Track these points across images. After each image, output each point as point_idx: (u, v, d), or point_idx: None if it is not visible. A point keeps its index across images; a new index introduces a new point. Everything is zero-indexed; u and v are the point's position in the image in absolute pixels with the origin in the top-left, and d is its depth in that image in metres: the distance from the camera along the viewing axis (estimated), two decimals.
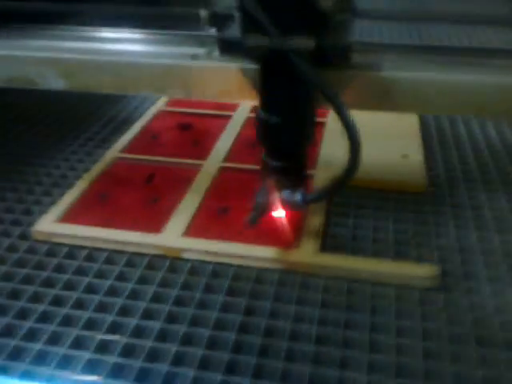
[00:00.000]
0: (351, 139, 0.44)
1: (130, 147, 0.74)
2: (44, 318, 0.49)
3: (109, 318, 0.48)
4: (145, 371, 0.43)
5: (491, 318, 0.48)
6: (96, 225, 0.58)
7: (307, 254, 0.54)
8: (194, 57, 0.53)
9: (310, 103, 0.48)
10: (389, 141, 0.73)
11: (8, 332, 0.47)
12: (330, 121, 0.76)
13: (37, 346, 0.46)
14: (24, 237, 0.59)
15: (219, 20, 0.50)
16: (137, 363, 0.44)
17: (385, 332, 0.47)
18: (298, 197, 0.51)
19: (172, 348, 0.45)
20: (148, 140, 0.76)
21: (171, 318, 0.48)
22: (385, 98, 0.51)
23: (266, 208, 0.51)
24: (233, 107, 0.84)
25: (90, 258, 0.56)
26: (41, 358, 0.45)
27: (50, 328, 0.47)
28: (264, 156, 0.51)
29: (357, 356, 0.45)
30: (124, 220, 0.59)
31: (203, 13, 0.50)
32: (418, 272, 0.52)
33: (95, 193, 0.64)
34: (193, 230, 0.57)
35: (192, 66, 0.52)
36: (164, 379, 0.43)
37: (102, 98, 0.91)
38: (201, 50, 0.53)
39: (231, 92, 0.52)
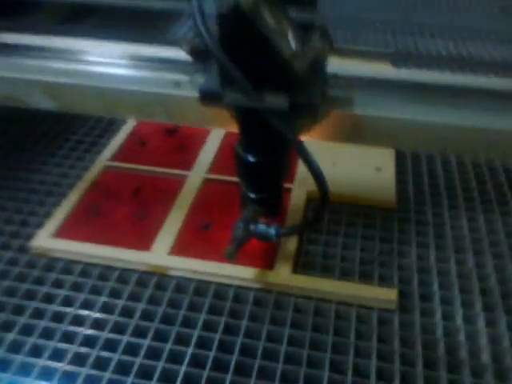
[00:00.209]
0: (320, 189, 0.49)
1: (119, 155, 0.78)
2: (46, 334, 0.55)
3: (104, 335, 0.54)
4: None
5: (440, 341, 0.55)
6: (89, 240, 0.63)
7: (281, 275, 0.60)
8: (177, 84, 0.56)
9: (286, 145, 0.53)
10: (364, 151, 0.78)
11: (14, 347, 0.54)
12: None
13: (40, 362, 0.52)
14: (23, 250, 0.64)
15: (200, 54, 0.52)
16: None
17: (343, 352, 0.53)
18: (272, 231, 0.56)
19: (159, 365, 0.51)
20: (135, 147, 0.80)
21: (158, 336, 0.54)
22: (356, 133, 0.55)
23: (243, 242, 0.56)
24: None
25: (84, 273, 0.61)
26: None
27: (52, 344, 0.53)
28: (243, 189, 0.56)
29: (319, 374, 0.51)
30: (115, 236, 0.64)
31: (184, 46, 0.52)
32: (378, 295, 0.58)
33: (86, 206, 0.69)
34: (177, 248, 0.63)
35: (175, 95, 0.55)
36: None
37: None
38: (184, 77, 0.55)
39: (213, 120, 0.56)
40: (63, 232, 0.64)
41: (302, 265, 0.62)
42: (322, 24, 0.50)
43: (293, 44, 0.44)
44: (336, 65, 0.52)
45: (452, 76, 0.58)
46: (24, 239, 0.65)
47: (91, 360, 0.52)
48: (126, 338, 0.54)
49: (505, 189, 0.75)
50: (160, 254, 0.61)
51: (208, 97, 0.49)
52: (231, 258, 0.52)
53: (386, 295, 0.58)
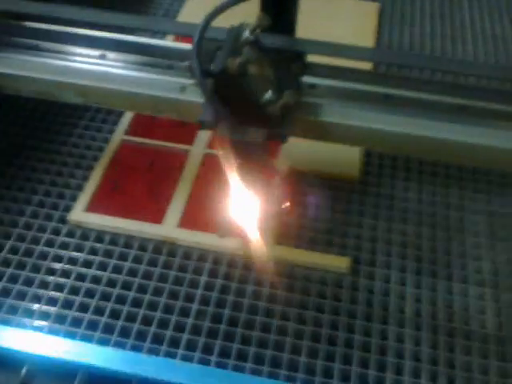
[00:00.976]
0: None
1: (132, 129, 0.91)
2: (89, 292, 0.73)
3: (131, 294, 0.72)
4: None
5: (377, 298, 0.73)
6: (114, 214, 0.79)
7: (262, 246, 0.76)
8: (183, 89, 0.67)
9: None
10: None
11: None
12: None
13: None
14: (62, 221, 0.80)
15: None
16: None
17: (308, 308, 0.72)
18: None
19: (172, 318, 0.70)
20: (146, 120, 0.93)
21: (171, 294, 0.73)
22: (323, 136, 0.67)
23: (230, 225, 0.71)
24: None
25: (113, 241, 0.78)
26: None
27: (93, 302, 0.72)
28: None
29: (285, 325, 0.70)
30: (134, 210, 0.80)
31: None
32: (335, 263, 0.75)
33: (109, 182, 0.84)
34: (184, 221, 0.79)
35: (180, 99, 0.67)
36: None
37: None
38: (189, 81, 0.65)
39: None
40: (93, 206, 0.80)
41: (279, 236, 0.79)
42: (301, 52, 0.64)
43: (269, 93, 0.57)
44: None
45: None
46: (62, 211, 0.81)
47: (124, 314, 0.71)
48: (147, 296, 0.72)
49: None
50: (170, 227, 0.78)
51: (205, 127, 0.60)
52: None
53: (342, 263, 0.75)
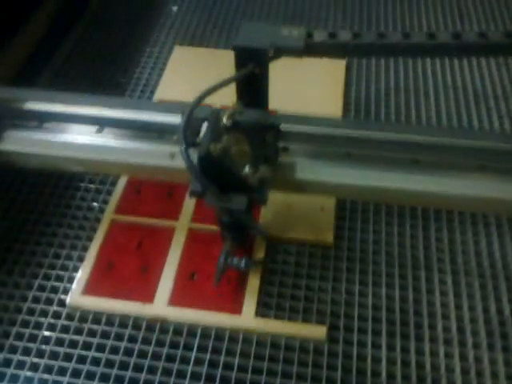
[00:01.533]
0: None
1: (120, 207, 0.96)
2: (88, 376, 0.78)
3: (128, 374, 0.77)
4: None
5: (362, 365, 0.78)
6: (109, 295, 0.84)
7: (247, 319, 0.82)
8: (172, 156, 0.76)
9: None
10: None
11: None
12: None
13: None
14: (62, 304, 0.85)
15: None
16: None
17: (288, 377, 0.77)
18: (242, 263, 0.81)
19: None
20: (133, 197, 0.98)
21: (165, 372, 0.78)
22: (296, 190, 0.77)
23: (223, 272, 0.80)
24: None
25: (108, 322, 0.83)
26: None
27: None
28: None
29: None
30: (127, 291, 0.85)
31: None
32: (313, 333, 0.81)
33: (103, 262, 0.89)
34: (173, 299, 0.84)
35: (171, 166, 0.76)
36: None
37: None
38: (177, 149, 0.71)
39: None
40: (90, 288, 0.85)
41: (262, 306, 0.84)
42: (277, 125, 0.75)
43: (246, 168, 0.68)
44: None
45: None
46: (61, 293, 0.86)
47: None
48: (142, 375, 0.77)
49: None
50: (161, 306, 0.83)
51: (194, 195, 0.71)
52: (218, 281, 0.81)
53: (319, 332, 0.81)
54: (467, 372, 0.78)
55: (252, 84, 0.76)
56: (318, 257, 0.90)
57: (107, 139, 0.80)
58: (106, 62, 1.26)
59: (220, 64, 0.88)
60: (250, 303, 0.84)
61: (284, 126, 0.76)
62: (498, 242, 0.92)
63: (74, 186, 1.01)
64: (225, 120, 0.68)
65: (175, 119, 0.76)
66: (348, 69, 1.24)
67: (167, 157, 0.76)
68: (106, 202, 0.98)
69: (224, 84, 0.71)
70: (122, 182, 1.00)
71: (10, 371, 0.78)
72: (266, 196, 0.70)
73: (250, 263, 0.83)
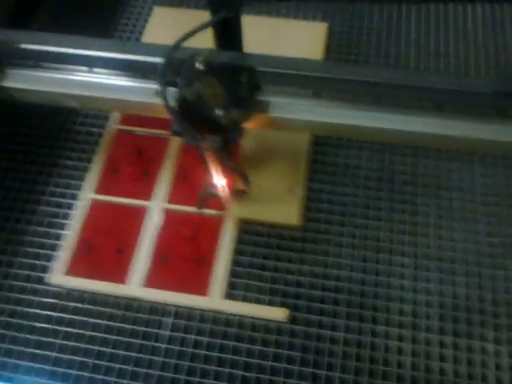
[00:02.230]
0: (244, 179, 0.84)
1: (98, 187, 0.98)
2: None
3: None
4: None
5: (323, 344, 0.83)
6: (88, 276, 0.88)
7: (216, 301, 0.86)
8: (156, 93, 0.79)
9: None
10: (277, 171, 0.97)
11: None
12: None
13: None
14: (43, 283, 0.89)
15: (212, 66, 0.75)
16: None
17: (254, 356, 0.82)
18: (221, 191, 0.88)
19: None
20: (109, 174, 0.99)
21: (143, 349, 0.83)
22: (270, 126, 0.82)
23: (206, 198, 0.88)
24: None
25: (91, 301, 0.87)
26: None
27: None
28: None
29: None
30: (104, 272, 0.88)
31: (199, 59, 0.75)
32: (274, 315, 0.85)
33: (83, 242, 0.91)
34: (147, 280, 0.88)
35: (155, 103, 0.79)
36: None
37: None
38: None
39: None
40: (69, 269, 0.89)
41: (231, 287, 0.88)
42: (250, 69, 0.78)
43: (218, 110, 0.74)
44: None
45: None
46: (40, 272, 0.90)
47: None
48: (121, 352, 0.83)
49: None
50: (135, 287, 0.87)
51: (176, 135, 0.77)
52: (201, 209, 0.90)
53: (281, 315, 0.85)
54: (418, 355, 0.83)
55: (226, 29, 0.79)
56: (287, 238, 0.93)
57: (98, 77, 0.84)
58: (81, 26, 1.22)
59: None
60: (219, 285, 0.87)
61: (258, 65, 0.79)
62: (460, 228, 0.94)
63: (51, 163, 1.02)
64: (197, 64, 0.73)
65: (159, 60, 0.78)
66: (330, 30, 1.19)
67: (152, 94, 0.80)
68: (82, 179, 0.99)
69: (199, 29, 0.74)
70: (98, 163, 1.01)
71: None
72: (237, 135, 0.77)
73: (228, 191, 0.89)
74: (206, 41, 0.78)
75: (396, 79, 0.79)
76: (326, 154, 1.01)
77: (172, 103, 0.73)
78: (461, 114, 0.79)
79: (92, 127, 1.06)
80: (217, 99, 0.74)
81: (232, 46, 0.81)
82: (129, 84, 0.83)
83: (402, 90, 0.79)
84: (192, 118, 0.74)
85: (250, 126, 0.80)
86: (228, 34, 0.79)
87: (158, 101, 0.76)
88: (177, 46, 0.74)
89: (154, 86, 0.80)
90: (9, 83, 0.85)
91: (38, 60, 0.86)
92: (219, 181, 0.86)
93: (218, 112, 0.73)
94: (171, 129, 0.77)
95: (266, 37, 1.14)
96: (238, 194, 0.93)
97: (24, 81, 0.85)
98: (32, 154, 1.03)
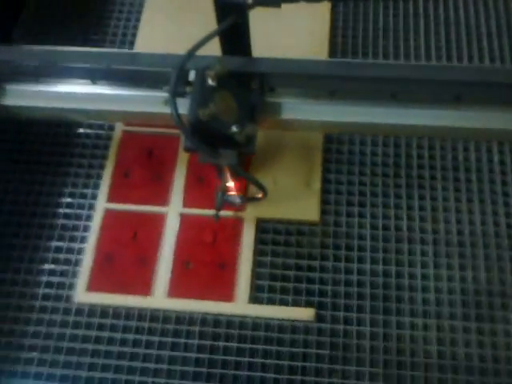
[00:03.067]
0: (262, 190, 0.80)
1: (111, 194, 0.94)
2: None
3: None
4: None
5: (350, 340, 0.83)
6: (111, 290, 0.86)
7: (241, 306, 0.84)
8: (166, 102, 0.75)
9: None
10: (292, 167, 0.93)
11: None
12: None
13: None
14: (69, 300, 0.88)
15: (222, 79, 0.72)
16: None
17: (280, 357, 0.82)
18: (237, 199, 0.86)
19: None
20: (121, 179, 0.95)
21: (158, 358, 0.83)
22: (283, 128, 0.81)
23: (221, 207, 0.84)
24: None
25: (115, 315, 0.86)
26: None
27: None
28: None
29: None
30: (127, 285, 0.87)
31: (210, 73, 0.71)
32: (301, 315, 0.84)
33: (103, 254, 0.89)
34: (171, 291, 0.86)
35: (165, 112, 0.73)
36: None
37: None
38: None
39: None
40: (93, 285, 0.87)
41: (255, 290, 0.86)
42: (261, 75, 0.75)
43: (233, 128, 0.70)
44: None
45: None
46: (68, 289, 0.88)
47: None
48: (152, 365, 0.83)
49: None
50: (160, 298, 0.85)
51: (189, 151, 0.75)
52: (219, 210, 0.83)
53: (308, 315, 0.84)
54: (443, 343, 0.83)
55: (234, 34, 0.74)
56: (305, 234, 0.90)
57: (103, 89, 0.80)
58: (75, 18, 1.14)
59: (196, 8, 0.98)
60: (243, 289, 0.86)
61: (269, 70, 0.76)
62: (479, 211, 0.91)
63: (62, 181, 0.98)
64: (210, 81, 0.70)
65: (166, 70, 0.75)
66: (334, 12, 1.11)
67: (160, 104, 0.77)
68: (97, 187, 0.96)
69: (209, 38, 0.70)
70: (109, 168, 0.97)
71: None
72: (253, 148, 0.73)
73: (244, 199, 0.88)
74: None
75: (412, 74, 0.75)
76: (341, 142, 0.97)
77: (183, 117, 0.69)
78: (480, 105, 0.75)
79: (100, 129, 1.01)
80: (230, 114, 0.70)
81: (240, 50, 0.75)
82: (134, 94, 0.79)
83: (419, 84, 0.75)
84: (205, 135, 0.70)
85: (263, 128, 0.76)
86: (236, 39, 0.74)
87: (166, 110, 0.72)
88: (189, 57, 0.69)
89: (161, 94, 0.77)
90: (8, 101, 0.81)
91: (38, 75, 0.81)
92: (235, 190, 0.83)
93: (233, 129, 0.69)
94: (183, 145, 0.73)
95: (270, 24, 1.06)
96: (254, 200, 0.89)
97: (24, 97, 0.81)
98: (43, 164, 0.99)
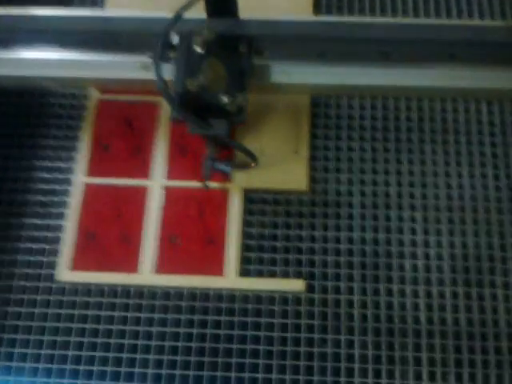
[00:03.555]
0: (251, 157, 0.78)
1: (91, 169, 0.88)
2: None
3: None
4: None
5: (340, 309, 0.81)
6: (96, 268, 0.82)
7: (230, 280, 0.82)
8: (145, 67, 0.72)
9: None
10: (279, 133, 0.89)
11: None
12: None
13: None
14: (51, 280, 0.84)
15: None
16: None
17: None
18: (227, 167, 0.83)
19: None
20: (100, 151, 0.89)
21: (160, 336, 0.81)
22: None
23: (209, 176, 0.80)
24: None
25: (100, 292, 0.83)
26: None
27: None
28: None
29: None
30: (111, 262, 0.83)
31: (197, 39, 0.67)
32: (292, 287, 0.82)
33: (84, 232, 0.85)
34: (157, 267, 0.83)
35: (144, 78, 0.71)
36: None
37: None
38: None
39: None
40: (75, 264, 0.83)
41: (244, 262, 0.84)
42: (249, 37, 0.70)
43: (224, 98, 0.67)
44: None
45: None
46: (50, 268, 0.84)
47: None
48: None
49: None
50: (147, 275, 0.82)
51: (176, 122, 0.71)
52: (207, 180, 0.80)
53: (298, 287, 0.82)
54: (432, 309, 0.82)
55: None
56: (294, 204, 0.87)
57: (76, 55, 0.74)
58: None
59: None
60: (233, 262, 0.83)
61: (258, 32, 0.72)
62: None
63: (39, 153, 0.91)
64: (199, 49, 0.66)
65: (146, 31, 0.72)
66: None
67: (140, 68, 0.71)
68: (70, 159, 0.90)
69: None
70: (86, 140, 0.90)
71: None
72: (244, 117, 0.70)
73: (233, 166, 0.84)
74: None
75: (403, 33, 0.72)
76: (328, 106, 0.92)
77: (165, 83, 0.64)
78: (473, 63, 0.72)
79: (74, 99, 0.94)
80: (220, 83, 0.66)
81: (227, 12, 0.70)
82: (110, 59, 0.72)
83: (410, 44, 0.72)
84: (194, 105, 0.66)
85: (252, 92, 0.71)
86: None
87: (145, 76, 0.69)
88: (177, 20, 0.64)
89: (139, 59, 0.71)
90: None
91: (5, 41, 0.73)
92: (223, 158, 0.79)
93: (224, 99, 0.65)
94: (170, 116, 0.68)
95: None
96: (243, 167, 0.85)
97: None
98: (16, 137, 0.92)
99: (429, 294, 0.83)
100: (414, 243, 0.85)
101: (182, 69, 0.66)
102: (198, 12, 0.71)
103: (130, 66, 0.72)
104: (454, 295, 0.83)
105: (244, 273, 0.83)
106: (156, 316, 0.81)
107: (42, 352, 0.80)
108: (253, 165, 0.81)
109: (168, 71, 0.69)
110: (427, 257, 0.85)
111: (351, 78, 0.73)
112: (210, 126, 0.68)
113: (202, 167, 0.80)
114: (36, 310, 0.82)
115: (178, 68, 0.67)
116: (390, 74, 0.72)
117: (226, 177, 0.86)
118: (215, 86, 0.66)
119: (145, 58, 0.71)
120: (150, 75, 0.68)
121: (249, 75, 0.69)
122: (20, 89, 0.88)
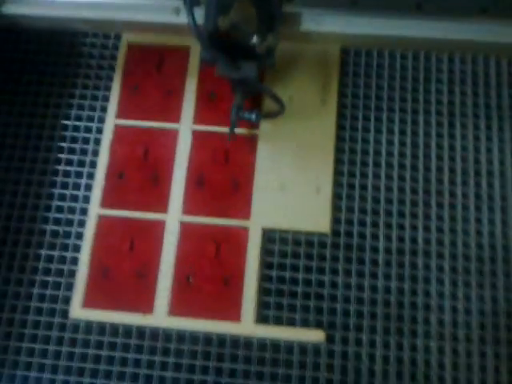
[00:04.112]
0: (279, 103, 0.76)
1: (105, 198, 0.84)
2: None
3: None
4: None
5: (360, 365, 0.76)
6: (107, 307, 0.78)
7: (247, 326, 0.77)
8: (177, 11, 0.74)
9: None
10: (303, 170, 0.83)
11: None
12: None
13: None
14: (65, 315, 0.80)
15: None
16: None
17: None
18: (253, 116, 0.78)
19: None
20: (115, 180, 0.85)
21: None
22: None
23: (235, 125, 0.77)
24: None
25: (113, 332, 0.79)
26: None
27: None
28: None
29: None
30: (124, 300, 0.79)
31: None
32: (311, 337, 0.77)
33: (98, 268, 0.80)
34: (172, 309, 0.78)
35: (175, 22, 0.74)
36: None
37: None
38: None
39: None
40: (88, 301, 0.79)
41: (261, 307, 0.79)
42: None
43: (254, 38, 0.67)
44: None
45: None
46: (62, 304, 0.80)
47: None
48: None
49: None
50: (162, 317, 0.78)
51: (206, 63, 0.70)
52: (233, 138, 0.80)
53: (317, 337, 0.77)
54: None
55: None
56: (314, 246, 0.82)
57: None
58: None
59: None
60: (249, 307, 0.78)
61: None
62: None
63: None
64: None
65: None
66: None
67: (171, 12, 0.74)
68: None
69: None
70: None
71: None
72: (274, 60, 0.70)
73: (260, 116, 0.79)
74: None
75: None
76: (358, 54, 0.85)
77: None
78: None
79: (106, 39, 0.86)
80: (250, 24, 0.67)
81: None
82: (143, 2, 0.74)
83: None
84: (223, 46, 0.66)
85: (281, 39, 0.71)
86: None
87: (177, 20, 0.71)
88: None
89: (169, 2, 0.73)
90: (10, 9, 0.77)
91: None
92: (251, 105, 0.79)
93: (254, 39, 0.66)
94: (200, 56, 0.69)
95: None
96: (271, 116, 0.81)
97: (26, 6, 0.76)
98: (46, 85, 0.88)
99: (455, 352, 0.77)
100: (441, 295, 0.80)
101: (214, 7, 0.66)
102: None
103: (162, 10, 0.74)
104: (482, 354, 0.77)
105: (262, 318, 0.78)
106: (170, 360, 0.77)
107: None
108: (280, 113, 0.78)
109: (198, 15, 0.67)
110: (455, 310, 0.79)
111: (382, 29, 0.73)
112: (238, 68, 0.68)
113: (229, 117, 0.77)
114: (50, 348, 0.79)
115: (209, 7, 0.66)
116: (422, 25, 0.73)
117: (253, 126, 0.83)
118: (245, 26, 0.66)
119: (176, 2, 0.73)
120: (182, 19, 0.70)
121: (279, 20, 0.70)
122: (52, 30, 0.84)
